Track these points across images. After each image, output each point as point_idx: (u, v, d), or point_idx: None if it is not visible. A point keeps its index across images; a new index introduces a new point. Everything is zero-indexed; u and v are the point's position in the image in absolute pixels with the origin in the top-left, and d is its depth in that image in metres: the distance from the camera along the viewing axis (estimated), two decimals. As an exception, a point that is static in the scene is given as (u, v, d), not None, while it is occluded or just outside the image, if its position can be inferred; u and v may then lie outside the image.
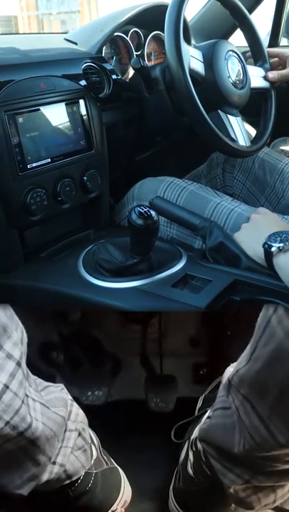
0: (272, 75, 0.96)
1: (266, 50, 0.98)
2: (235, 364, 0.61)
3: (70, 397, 0.72)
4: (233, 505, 0.73)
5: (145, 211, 0.68)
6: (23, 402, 0.54)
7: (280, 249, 0.65)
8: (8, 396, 0.52)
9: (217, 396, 0.70)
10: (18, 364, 0.53)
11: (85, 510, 0.73)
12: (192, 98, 0.79)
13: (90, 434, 0.76)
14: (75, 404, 0.72)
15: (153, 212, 0.68)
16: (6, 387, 0.52)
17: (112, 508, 0.76)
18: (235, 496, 0.68)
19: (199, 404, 0.90)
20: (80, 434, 0.70)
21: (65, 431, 0.67)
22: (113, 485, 0.77)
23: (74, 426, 0.70)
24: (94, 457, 0.75)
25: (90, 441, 0.74)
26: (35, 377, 0.64)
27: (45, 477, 0.63)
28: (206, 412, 0.79)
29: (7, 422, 0.52)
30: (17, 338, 0.54)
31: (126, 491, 0.79)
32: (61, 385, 0.72)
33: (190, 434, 0.83)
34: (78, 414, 0.72)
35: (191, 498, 0.77)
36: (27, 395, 0.56)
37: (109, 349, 0.96)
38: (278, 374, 0.49)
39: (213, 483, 0.71)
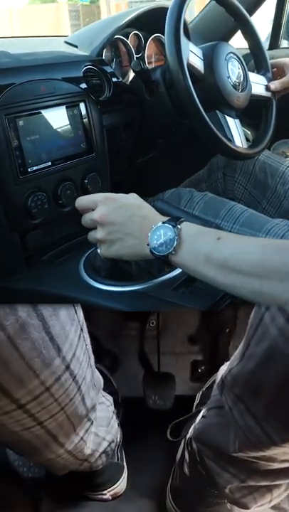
0: (274, 85, 0.96)
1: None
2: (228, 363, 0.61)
3: (112, 409, 0.77)
4: (229, 504, 0.74)
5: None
6: None
7: (172, 253, 0.55)
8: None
9: (211, 395, 0.70)
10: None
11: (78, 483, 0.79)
12: (189, 91, 0.78)
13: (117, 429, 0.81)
14: (114, 417, 0.77)
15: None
16: None
17: (103, 492, 0.82)
18: (230, 496, 0.69)
19: (197, 400, 0.91)
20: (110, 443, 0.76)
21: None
22: (113, 476, 0.83)
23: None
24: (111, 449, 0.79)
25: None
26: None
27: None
28: (201, 409, 0.80)
29: None
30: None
31: (121, 485, 0.85)
32: (110, 399, 0.77)
33: (186, 432, 0.83)
34: (113, 426, 0.77)
35: (188, 497, 0.77)
36: None
37: (108, 346, 0.96)
38: (272, 373, 0.48)
39: (208, 484, 0.71)
